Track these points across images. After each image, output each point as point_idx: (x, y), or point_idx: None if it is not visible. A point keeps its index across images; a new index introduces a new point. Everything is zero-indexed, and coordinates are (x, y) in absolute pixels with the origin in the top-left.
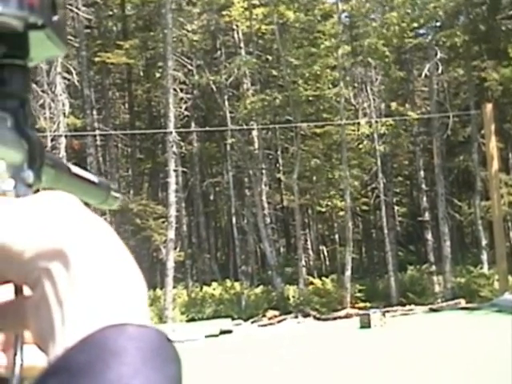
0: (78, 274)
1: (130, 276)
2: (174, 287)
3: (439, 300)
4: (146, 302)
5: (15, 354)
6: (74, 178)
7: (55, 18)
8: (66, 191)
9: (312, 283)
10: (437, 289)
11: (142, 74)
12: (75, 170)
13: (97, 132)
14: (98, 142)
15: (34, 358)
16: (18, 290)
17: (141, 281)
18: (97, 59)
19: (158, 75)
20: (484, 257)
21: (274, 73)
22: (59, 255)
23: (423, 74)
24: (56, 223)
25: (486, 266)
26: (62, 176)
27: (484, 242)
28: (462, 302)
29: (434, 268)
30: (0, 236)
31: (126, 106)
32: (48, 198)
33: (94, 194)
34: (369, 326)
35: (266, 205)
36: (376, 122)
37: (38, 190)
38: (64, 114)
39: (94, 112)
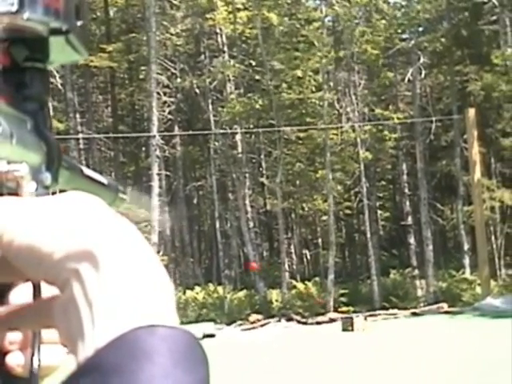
0: (107, 276)
1: (157, 277)
2: None
3: (422, 304)
4: (173, 300)
5: (33, 354)
6: (86, 180)
7: (78, 23)
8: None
9: (295, 287)
10: (419, 293)
11: (125, 77)
12: (87, 171)
13: (80, 135)
14: (81, 146)
15: (50, 358)
16: (37, 291)
17: (168, 282)
18: (80, 62)
19: (141, 78)
20: (466, 261)
21: (258, 77)
22: (88, 256)
23: (406, 79)
24: (85, 224)
25: (468, 270)
26: (76, 178)
27: (466, 247)
28: (445, 306)
29: (416, 272)
30: (30, 237)
31: (109, 109)
32: (74, 198)
33: (104, 196)
34: (351, 330)
35: (249, 208)
36: (359, 126)
37: (54, 193)
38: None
39: (77, 115)
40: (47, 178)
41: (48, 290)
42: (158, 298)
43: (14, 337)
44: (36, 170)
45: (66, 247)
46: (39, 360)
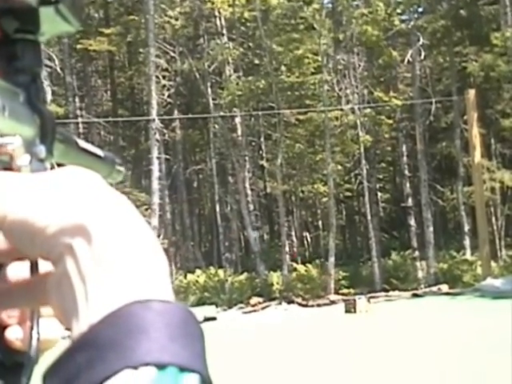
0: (100, 250)
1: (152, 252)
2: None
3: (422, 285)
4: (169, 278)
5: (32, 328)
6: (82, 152)
7: None
8: (73, 164)
9: (296, 269)
10: (420, 274)
11: (124, 61)
12: (82, 144)
13: (79, 119)
14: (81, 130)
15: (50, 332)
16: (34, 267)
17: (163, 257)
18: (79, 46)
19: (140, 62)
20: (467, 242)
21: (257, 59)
22: (82, 231)
23: (406, 60)
24: (79, 199)
25: (468, 251)
26: (71, 150)
27: (466, 228)
28: (445, 288)
29: (417, 254)
30: (23, 212)
31: (109, 93)
32: (70, 174)
33: (100, 168)
34: (354, 312)
35: (249, 192)
36: (359, 108)
37: (52, 166)
38: (45, 101)
39: (77, 99)
40: (41, 150)
41: (46, 266)
42: (153, 273)
43: (12, 310)
44: (30, 143)
45: (60, 222)
46: (38, 334)
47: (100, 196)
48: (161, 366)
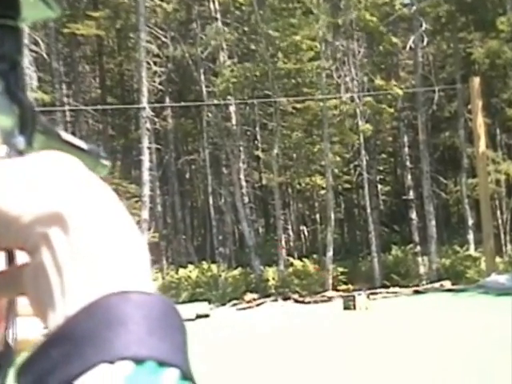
0: (77, 240)
1: (132, 242)
2: None
3: (424, 282)
4: (150, 268)
5: (7, 327)
6: (64, 145)
7: None
8: None
9: (292, 264)
10: (421, 270)
11: (113, 46)
12: (65, 136)
13: (66, 107)
14: (68, 118)
15: (28, 331)
16: (10, 258)
17: (144, 247)
18: (66, 30)
19: (130, 47)
20: (470, 237)
21: (252, 45)
22: (58, 219)
23: (408, 46)
24: (55, 186)
25: (472, 246)
26: (53, 142)
27: (470, 222)
28: (448, 284)
29: (418, 249)
30: None
31: (97, 80)
32: (47, 159)
33: (84, 162)
34: (353, 309)
35: (244, 183)
36: (359, 96)
37: None
38: (31, 88)
39: (64, 86)
40: (20, 142)
41: (23, 257)
42: (132, 263)
43: None
44: (8, 134)
45: (35, 210)
46: (15, 333)
47: (78, 183)
48: (139, 361)
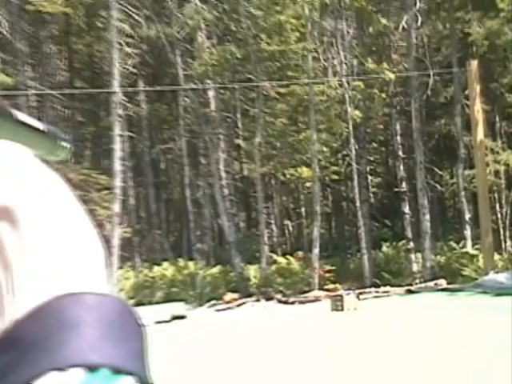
0: (27, 236)
1: (86, 240)
2: (120, 268)
3: (417, 281)
4: (105, 268)
5: None
6: (18, 125)
7: None
8: (8, 139)
9: (275, 262)
10: (415, 268)
11: (82, 25)
12: (20, 116)
13: (31, 91)
14: (33, 103)
15: None
16: None
17: (99, 244)
18: (30, 8)
19: (100, 27)
20: (467, 232)
21: (233, 25)
22: (6, 215)
23: (400, 27)
24: (4, 178)
25: (469, 242)
26: (5, 123)
27: (467, 216)
28: (443, 283)
29: (411, 245)
30: None
31: (65, 61)
32: None
33: (40, 144)
34: (341, 310)
35: (223, 174)
36: (347, 81)
37: None
38: None
39: (28, 68)
40: None
41: None
42: (86, 262)
43: None
44: None
45: None
46: None
47: (28, 175)
48: (92, 368)
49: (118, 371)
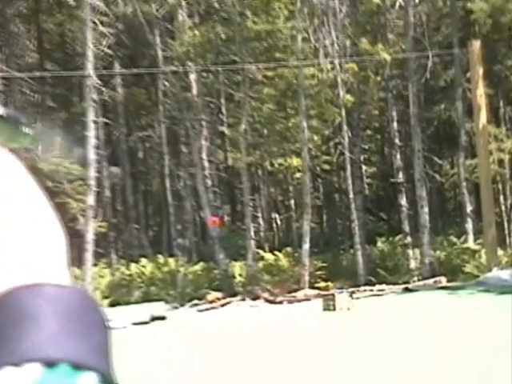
0: None
1: (47, 229)
2: (95, 265)
3: (415, 278)
4: (66, 258)
5: None
6: None
7: None
8: None
9: (262, 258)
10: (412, 265)
11: (52, 2)
12: None
13: None
14: None
15: None
16: None
17: (60, 233)
18: None
19: (72, 4)
20: (469, 226)
21: (216, 3)
22: None
23: (397, 4)
24: None
25: (471, 236)
26: None
27: (469, 208)
28: (443, 281)
29: (409, 240)
30: None
31: (34, 42)
32: None
33: (1, 129)
34: (333, 310)
35: (206, 164)
36: (340, 63)
37: None
38: None
39: None
40: None
41: None
42: (45, 253)
43: None
44: None
45: None
46: None
47: None
48: (50, 363)
49: (78, 367)
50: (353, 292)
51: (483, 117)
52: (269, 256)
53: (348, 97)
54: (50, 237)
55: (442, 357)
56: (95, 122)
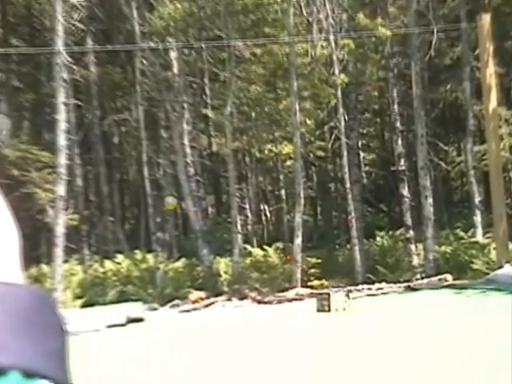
0: None
1: None
2: (66, 261)
3: (418, 276)
4: (19, 255)
5: None
6: None
7: None
8: None
9: (250, 254)
10: (415, 261)
11: None
12: None
13: None
14: None
15: None
16: None
17: (12, 228)
18: None
19: None
20: (477, 218)
21: None
22: None
23: None
24: None
25: (479, 230)
26: None
27: (477, 199)
28: (449, 278)
29: (411, 234)
30: None
31: None
32: None
33: None
34: (328, 311)
35: (188, 150)
36: (335, 39)
37: None
38: None
39: None
40: None
41: None
42: None
43: None
44: None
45: None
46: None
47: None
48: None
49: (30, 374)
50: (349, 291)
51: (493, 98)
52: (257, 251)
53: (342, 76)
54: (2, 230)
55: (447, 363)
56: (66, 104)
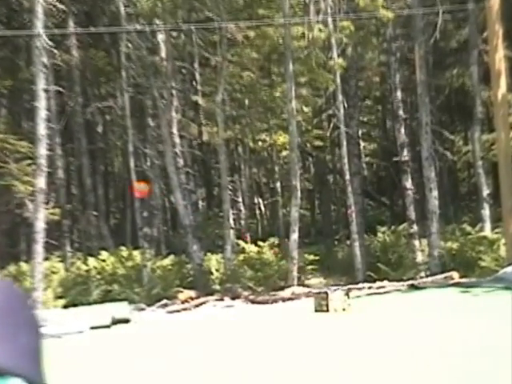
0: None
1: None
2: (47, 259)
3: (423, 274)
4: None
5: None
6: None
7: None
8: None
9: (243, 251)
10: (419, 258)
11: None
12: None
13: None
14: None
15: None
16: None
17: None
18: None
19: None
20: (485, 212)
21: None
22: None
23: None
24: None
25: (488, 225)
26: None
27: (485, 192)
28: (455, 276)
29: (415, 229)
30: None
31: None
32: None
33: None
34: (326, 311)
35: (177, 140)
36: (334, 21)
37: None
38: None
39: None
40: None
41: None
42: None
43: None
44: None
45: None
46: None
47: None
48: None
49: (1, 373)
50: (349, 290)
51: (502, 84)
52: (251, 248)
53: (341, 61)
54: None
55: (452, 366)
56: (46, 91)
